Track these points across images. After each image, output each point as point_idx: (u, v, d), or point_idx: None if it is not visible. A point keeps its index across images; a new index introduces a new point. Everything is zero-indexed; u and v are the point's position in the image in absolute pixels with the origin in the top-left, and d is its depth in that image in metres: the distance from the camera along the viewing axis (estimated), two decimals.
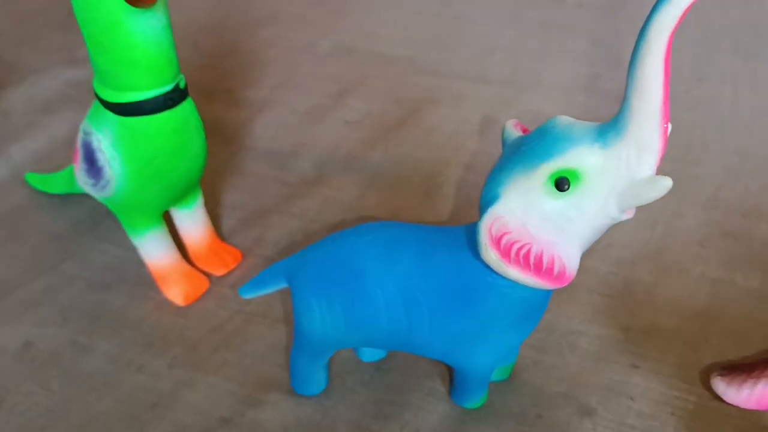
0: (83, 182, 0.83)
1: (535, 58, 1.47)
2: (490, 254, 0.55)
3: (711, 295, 0.86)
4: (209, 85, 1.38)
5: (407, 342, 0.66)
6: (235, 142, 1.21)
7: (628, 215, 0.56)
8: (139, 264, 0.92)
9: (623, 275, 0.90)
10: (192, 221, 0.92)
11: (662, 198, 0.53)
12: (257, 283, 0.73)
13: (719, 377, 0.70)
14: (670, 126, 0.53)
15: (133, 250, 0.89)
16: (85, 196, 1.00)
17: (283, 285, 0.71)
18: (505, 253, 0.55)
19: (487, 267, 0.59)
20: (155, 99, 0.73)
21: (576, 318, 0.84)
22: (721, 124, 1.21)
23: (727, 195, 1.03)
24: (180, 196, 0.86)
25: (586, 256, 0.74)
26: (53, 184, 1.04)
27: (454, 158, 1.15)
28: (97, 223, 1.01)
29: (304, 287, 0.67)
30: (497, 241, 0.55)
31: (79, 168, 0.83)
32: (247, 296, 0.74)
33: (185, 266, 0.90)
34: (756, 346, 0.79)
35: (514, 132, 0.62)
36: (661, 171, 0.53)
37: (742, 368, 0.69)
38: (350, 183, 1.10)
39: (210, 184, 1.08)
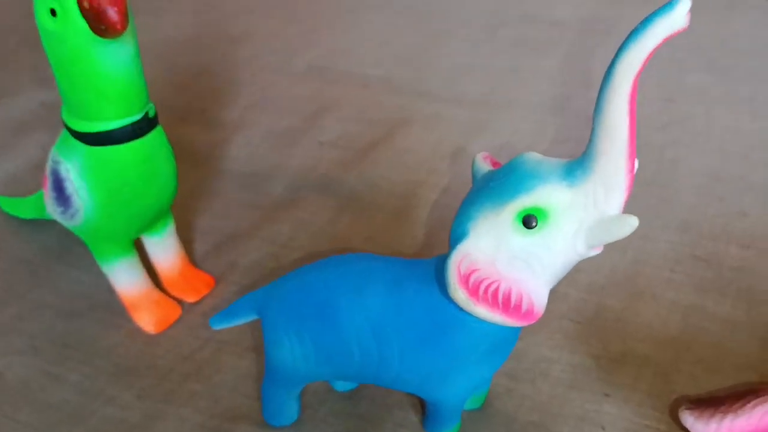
0: (52, 210, 0.82)
1: (509, 77, 1.48)
2: (459, 293, 0.55)
3: (682, 322, 0.87)
4: (183, 105, 1.38)
5: (378, 376, 0.66)
6: (209, 164, 1.21)
7: (596, 251, 0.57)
8: (110, 290, 0.91)
9: (594, 301, 0.90)
10: (163, 248, 0.91)
11: None
12: (228, 314, 0.73)
13: (687, 411, 0.70)
14: (637, 163, 0.54)
15: (103, 276, 0.89)
16: (55, 221, 0.98)
17: (253, 317, 0.71)
18: (474, 291, 0.55)
19: None
20: (123, 129, 0.73)
21: (547, 345, 0.84)
22: (692, 145, 1.22)
23: (697, 218, 1.03)
24: (150, 224, 0.85)
25: None
26: (23, 208, 1.03)
27: (429, 180, 1.15)
28: (66, 248, 1.00)
29: (275, 321, 0.67)
30: (465, 280, 0.55)
31: (48, 196, 0.82)
32: (218, 327, 0.74)
33: (156, 293, 0.89)
34: (726, 374, 0.80)
35: (483, 166, 0.63)
36: (631, 193, 0.53)
37: (710, 402, 0.70)
38: (324, 206, 1.09)
39: (183, 207, 1.08)
